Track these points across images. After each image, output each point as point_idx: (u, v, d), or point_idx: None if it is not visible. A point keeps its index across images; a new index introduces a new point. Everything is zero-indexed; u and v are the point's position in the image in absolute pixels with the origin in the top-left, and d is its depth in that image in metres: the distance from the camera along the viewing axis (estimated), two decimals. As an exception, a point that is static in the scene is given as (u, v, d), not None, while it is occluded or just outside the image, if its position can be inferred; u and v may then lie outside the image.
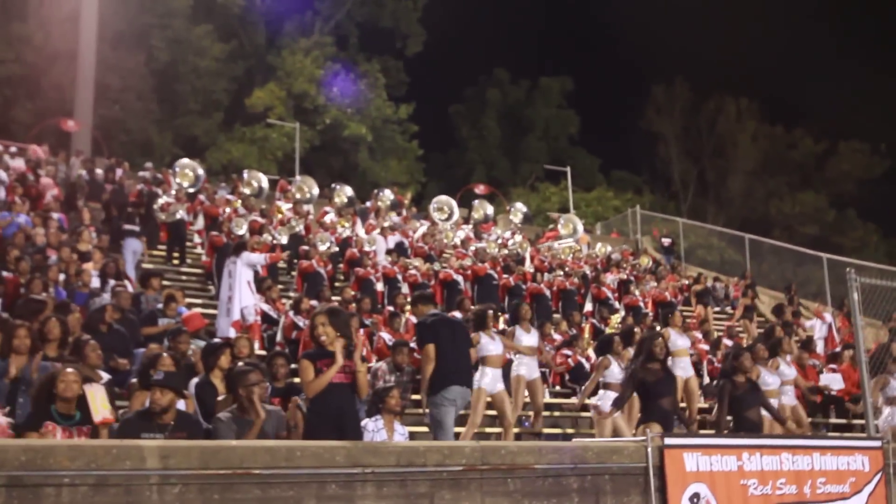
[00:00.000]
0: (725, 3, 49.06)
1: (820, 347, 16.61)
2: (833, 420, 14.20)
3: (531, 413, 11.29)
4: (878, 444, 7.79)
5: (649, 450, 6.45)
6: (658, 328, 13.39)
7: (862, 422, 12.52)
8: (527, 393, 11.21)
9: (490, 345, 9.91)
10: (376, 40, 45.04)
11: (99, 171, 20.56)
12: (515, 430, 10.82)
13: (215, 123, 38.85)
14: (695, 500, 6.56)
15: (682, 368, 11.50)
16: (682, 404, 11.98)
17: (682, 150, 51.77)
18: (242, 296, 12.66)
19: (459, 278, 17.03)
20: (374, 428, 6.75)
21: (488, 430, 10.24)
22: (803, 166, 50.55)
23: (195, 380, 7.25)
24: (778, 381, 10.63)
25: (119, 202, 19.47)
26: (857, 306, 8.27)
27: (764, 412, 9.76)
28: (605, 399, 9.72)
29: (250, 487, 5.01)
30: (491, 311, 10.27)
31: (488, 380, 9.83)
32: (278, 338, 12.63)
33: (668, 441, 6.57)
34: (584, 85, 51.33)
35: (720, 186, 51.25)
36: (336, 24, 44.50)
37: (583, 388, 11.46)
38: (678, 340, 11.64)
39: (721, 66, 49.48)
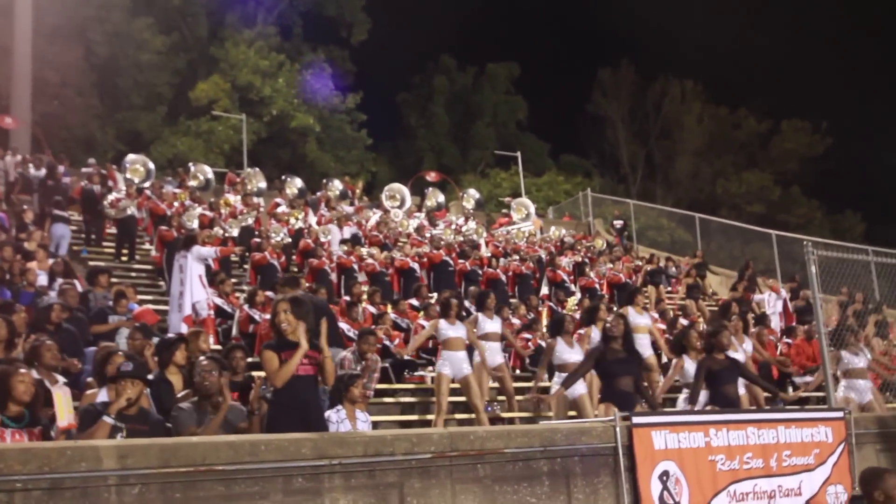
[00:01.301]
0: (669, -15, 49.40)
1: (775, 322, 16.78)
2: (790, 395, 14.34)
3: (500, 398, 11.22)
4: (840, 414, 7.84)
5: (618, 429, 6.40)
6: (616, 309, 13.36)
7: (818, 394, 12.74)
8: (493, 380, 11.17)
9: (449, 330, 9.83)
10: (321, 30, 44.64)
11: (32, 170, 19.88)
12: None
13: (159, 117, 38.11)
14: (664, 478, 6.52)
15: (641, 346, 11.50)
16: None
17: (630, 132, 52.14)
18: (194, 290, 12.36)
19: (416, 266, 16.91)
20: (337, 419, 6.58)
21: (459, 416, 10.11)
22: (748, 146, 51.28)
23: (149, 376, 6.99)
24: (743, 356, 10.68)
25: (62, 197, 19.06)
26: (815, 280, 8.31)
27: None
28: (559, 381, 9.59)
29: (213, 484, 4.83)
30: (455, 300, 10.20)
31: (449, 365, 9.75)
32: (234, 332, 12.37)
33: (636, 420, 6.52)
34: (530, 70, 51.52)
35: (668, 168, 51.78)
36: (279, 14, 43.88)
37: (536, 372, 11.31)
38: (638, 319, 11.64)
39: (666, 48, 49.96)
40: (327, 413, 6.57)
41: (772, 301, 17.43)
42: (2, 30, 31.23)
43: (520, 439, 6.00)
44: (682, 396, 10.26)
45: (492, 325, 11.03)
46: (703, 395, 9.23)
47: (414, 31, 49.31)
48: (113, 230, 18.06)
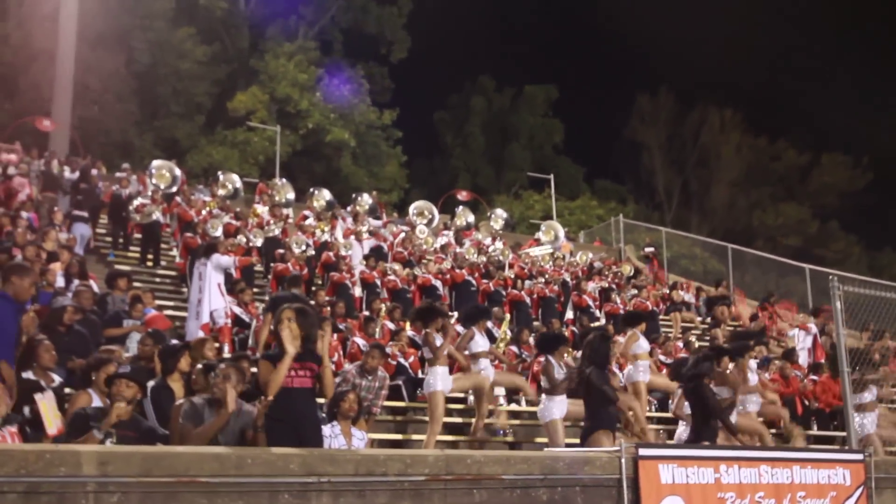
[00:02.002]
0: (712, 13, 49.09)
1: (804, 358, 16.39)
2: (815, 432, 13.99)
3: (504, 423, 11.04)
4: (860, 456, 7.55)
5: (623, 461, 6.19)
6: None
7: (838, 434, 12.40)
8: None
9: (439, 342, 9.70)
10: (361, 46, 44.85)
11: (67, 172, 20.07)
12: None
13: (197, 126, 38.43)
14: (670, 513, 6.30)
15: (643, 373, 11.26)
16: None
17: (667, 160, 51.73)
18: (212, 298, 12.34)
19: (438, 283, 16.78)
20: (331, 434, 6.40)
21: (450, 437, 9.90)
22: (786, 178, 50.65)
23: (151, 382, 6.91)
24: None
25: (91, 203, 19.21)
26: (839, 315, 8.04)
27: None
28: (550, 403, 9.27)
29: (196, 497, 4.70)
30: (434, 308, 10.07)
31: (441, 380, 9.56)
32: (250, 342, 12.29)
33: (642, 452, 6.30)
34: (569, 93, 51.35)
35: (704, 197, 51.25)
36: (320, 30, 44.22)
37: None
38: (643, 343, 11.42)
39: (706, 76, 49.79)
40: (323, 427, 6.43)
41: (801, 336, 17.03)
42: (47, 34, 31.77)
43: (519, 465, 5.81)
44: (680, 429, 10.01)
45: (484, 342, 10.84)
46: (682, 427, 9.00)
47: (452, 51, 49.48)
48: (139, 235, 18.15)
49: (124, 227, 18.61)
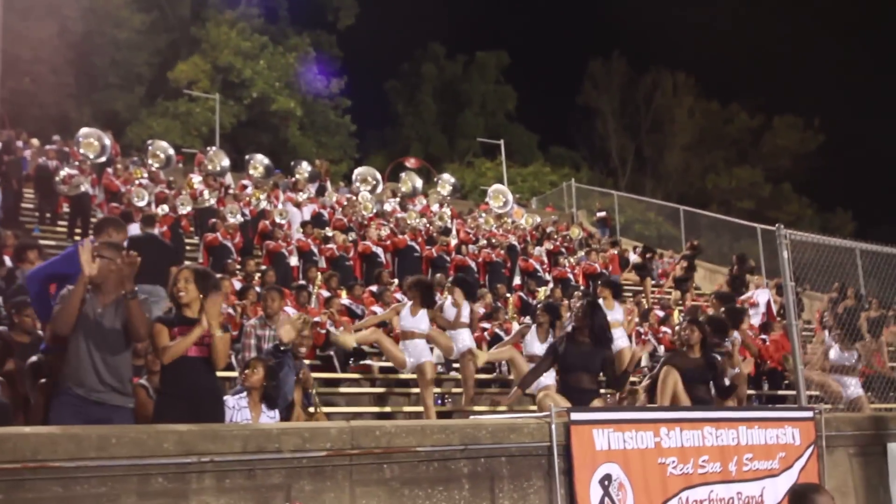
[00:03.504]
0: (662, -23, 48.63)
1: (756, 320, 16.03)
2: (766, 392, 13.64)
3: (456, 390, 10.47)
4: (809, 414, 7.07)
5: (553, 426, 5.62)
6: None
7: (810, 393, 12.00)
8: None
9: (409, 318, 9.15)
10: (307, 13, 43.65)
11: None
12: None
13: (137, 98, 37.16)
14: (606, 482, 5.75)
15: (616, 339, 10.78)
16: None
17: (620, 125, 51.45)
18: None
19: (380, 251, 16.14)
20: (235, 405, 5.74)
21: (406, 409, 9.32)
22: (739, 141, 50.61)
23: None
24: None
25: (17, 175, 18.29)
26: (787, 265, 7.54)
27: None
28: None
29: (48, 484, 4.04)
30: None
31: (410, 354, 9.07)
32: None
33: (574, 416, 5.73)
34: (520, 60, 50.66)
35: (658, 162, 51.09)
36: (264, -4, 42.98)
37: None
38: (608, 314, 10.88)
39: (658, 40, 49.27)
40: (225, 397, 5.77)
41: (755, 298, 16.66)
42: (-29, 3, 30.33)
43: (436, 436, 5.22)
44: None
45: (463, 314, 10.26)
46: None
47: (402, 18, 48.47)
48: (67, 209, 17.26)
49: (53, 201, 17.73)
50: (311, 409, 7.46)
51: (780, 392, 13.39)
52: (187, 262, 5.75)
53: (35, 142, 21.54)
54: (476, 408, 9.93)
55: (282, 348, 6.47)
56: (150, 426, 4.52)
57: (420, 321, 9.22)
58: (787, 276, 7.50)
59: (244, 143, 36.50)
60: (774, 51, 49.56)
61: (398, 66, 50.18)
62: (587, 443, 5.73)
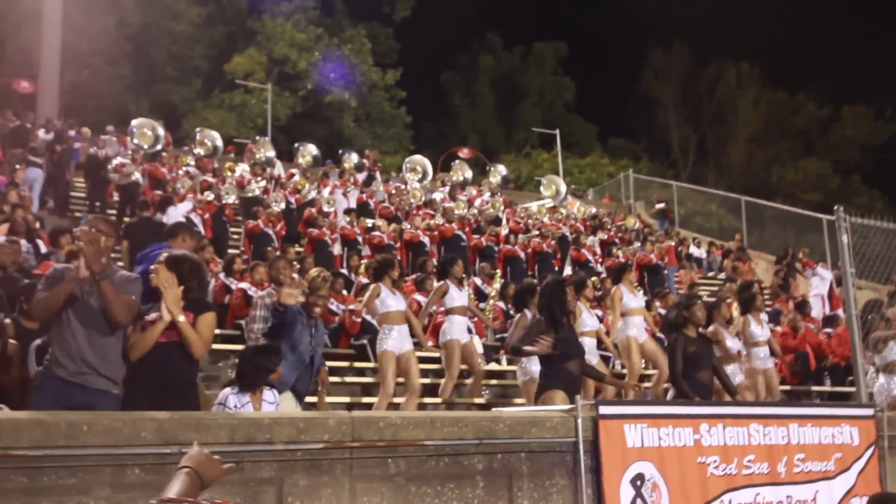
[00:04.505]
0: (725, -37, 47.24)
1: (818, 309, 15.28)
2: (828, 388, 12.90)
3: (468, 380, 10.00)
4: (869, 412, 6.47)
5: (579, 421, 5.15)
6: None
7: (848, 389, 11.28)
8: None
9: (389, 299, 8.67)
10: (363, 5, 43.43)
11: (42, 133, 19.24)
12: (461, 400, 9.58)
13: (193, 90, 37.40)
14: (638, 482, 5.26)
15: (637, 329, 10.19)
16: (651, 371, 10.74)
17: (682, 116, 50.23)
18: (166, 255, 11.32)
19: (426, 239, 15.74)
20: (237, 403, 5.34)
21: (397, 399, 8.89)
22: (806, 132, 49.00)
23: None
24: (738, 344, 9.33)
25: (67, 164, 18.46)
26: (847, 251, 6.93)
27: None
28: (528, 361, 8.26)
29: (11, 474, 3.72)
30: (394, 263, 9.05)
31: (393, 339, 8.58)
32: (207, 302, 11.32)
33: (604, 410, 5.25)
34: (579, 50, 49.75)
35: (720, 154, 49.76)
36: (321, -11, 42.92)
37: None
38: (632, 301, 10.32)
39: (720, 30, 47.86)
40: (224, 394, 5.36)
41: (815, 283, 15.89)
42: (35, -1, 30.78)
43: (447, 429, 4.78)
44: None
45: (461, 297, 9.81)
46: None
47: (459, 9, 47.90)
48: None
49: (102, 190, 17.77)
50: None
51: (843, 389, 12.64)
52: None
53: (87, 131, 21.70)
54: (476, 400, 9.51)
55: (280, 309, 6.12)
56: (127, 413, 4.18)
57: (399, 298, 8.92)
58: (846, 262, 6.90)
59: (299, 134, 36.41)
60: (843, 38, 47.83)
61: (454, 58, 49.78)
62: (617, 439, 5.24)
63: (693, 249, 22.79)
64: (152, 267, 5.09)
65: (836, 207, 7.09)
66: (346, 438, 4.46)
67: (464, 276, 10.64)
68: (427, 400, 9.30)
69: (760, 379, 9.53)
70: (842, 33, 47.60)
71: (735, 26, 47.45)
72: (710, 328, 8.58)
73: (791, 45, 47.95)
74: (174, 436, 4.04)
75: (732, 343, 8.97)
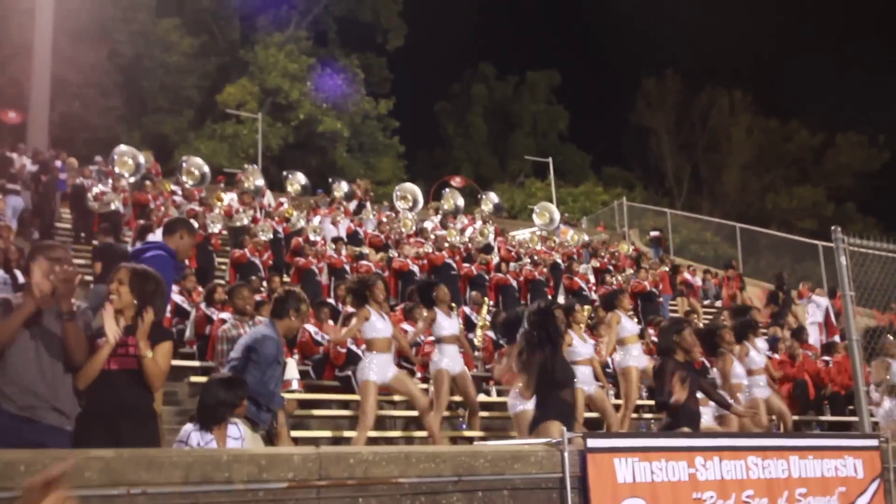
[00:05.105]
0: (717, -8, 47.47)
1: (815, 336, 15.00)
2: (829, 418, 12.57)
3: (463, 413, 9.64)
4: (874, 442, 6.14)
5: (566, 455, 4.82)
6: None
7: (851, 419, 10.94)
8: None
9: (378, 323, 8.32)
10: (356, 35, 43.54)
11: (28, 164, 19.01)
12: (449, 433, 9.23)
13: (186, 121, 37.27)
14: (630, 520, 4.93)
15: (636, 358, 9.89)
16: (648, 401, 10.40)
17: (675, 144, 50.26)
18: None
19: (416, 268, 15.45)
20: (199, 441, 4.98)
21: (390, 433, 8.55)
22: (800, 160, 49.03)
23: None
24: (742, 371, 9.04)
25: (53, 194, 18.20)
26: (845, 272, 6.65)
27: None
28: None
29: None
30: (376, 282, 8.65)
31: (376, 369, 8.22)
32: (187, 334, 11.00)
33: (592, 443, 4.93)
34: (572, 79, 49.86)
35: (715, 181, 49.75)
36: (314, 20, 43.01)
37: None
38: (627, 325, 10.03)
39: (713, 58, 48.04)
40: (187, 430, 5.01)
41: (811, 310, 15.61)
42: (23, 28, 30.68)
43: (423, 465, 4.46)
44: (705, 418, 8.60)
45: (450, 324, 9.46)
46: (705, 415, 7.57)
47: (452, 39, 48.00)
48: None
49: (89, 221, 17.50)
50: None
51: (844, 419, 12.31)
52: (128, 263, 4.98)
53: (73, 161, 21.45)
54: (466, 434, 9.17)
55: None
56: (69, 451, 3.85)
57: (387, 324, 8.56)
58: (845, 284, 6.61)
59: (292, 165, 36.14)
60: (836, 66, 47.96)
61: (448, 88, 49.84)
62: (607, 474, 4.92)
63: (687, 276, 22.53)
64: (112, 286, 4.77)
65: (833, 228, 6.81)
66: (313, 476, 4.14)
67: (452, 303, 10.30)
68: (416, 434, 8.94)
69: (763, 408, 9.23)
70: (834, 60, 47.74)
71: (727, 54, 47.65)
72: (720, 360, 8.34)
73: (784, 73, 48.22)
74: (122, 476, 3.72)
75: (740, 370, 8.70)
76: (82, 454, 3.72)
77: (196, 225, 14.50)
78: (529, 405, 7.80)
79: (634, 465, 5.01)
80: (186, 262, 13.67)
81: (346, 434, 9.00)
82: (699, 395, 6.72)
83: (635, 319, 10.07)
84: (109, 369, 4.43)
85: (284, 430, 6.54)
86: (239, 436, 5.10)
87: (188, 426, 5.08)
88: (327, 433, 9.04)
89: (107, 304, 4.49)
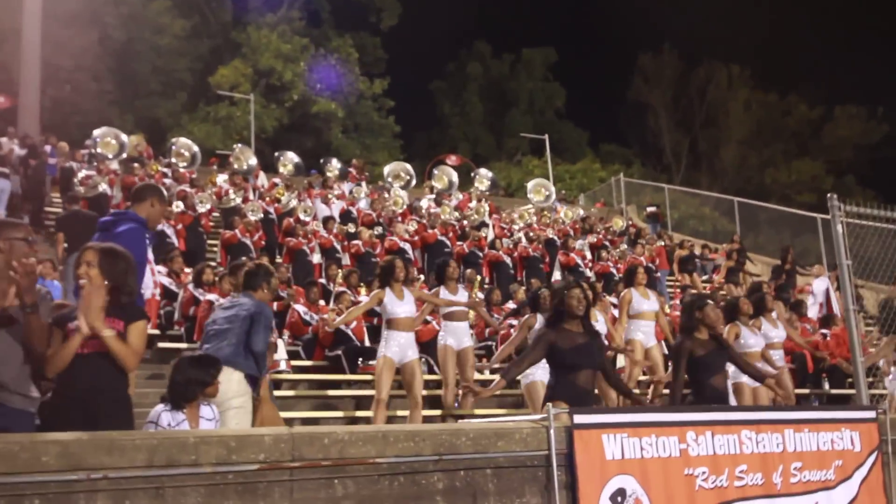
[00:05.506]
0: (713, -34, 46.92)
1: (814, 311, 14.83)
2: (829, 391, 12.43)
3: (460, 391, 9.52)
4: (871, 414, 5.98)
5: (552, 431, 4.66)
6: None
7: (872, 391, 10.78)
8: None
9: (395, 304, 8.19)
10: (349, 15, 43.02)
11: (17, 148, 18.81)
12: (437, 412, 9.11)
13: (179, 104, 36.95)
14: (619, 498, 4.77)
15: (645, 334, 9.77)
16: (644, 377, 10.26)
17: (673, 120, 49.89)
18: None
19: (407, 247, 15.27)
20: (170, 421, 4.83)
21: (400, 412, 8.43)
22: (799, 133, 48.70)
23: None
24: (761, 341, 8.86)
25: (41, 178, 18.04)
26: (841, 240, 6.47)
27: (744, 378, 8.01)
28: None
29: None
30: (394, 262, 8.53)
31: (395, 348, 8.14)
32: (176, 315, 10.84)
33: (578, 419, 4.76)
34: (568, 56, 49.39)
35: (713, 157, 49.44)
36: (306, 0, 42.51)
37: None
38: (643, 303, 9.89)
39: (710, 33, 47.50)
40: (157, 411, 4.85)
41: (812, 287, 15.44)
42: (13, 12, 30.34)
43: (402, 444, 4.30)
44: None
45: (456, 301, 9.37)
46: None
47: (446, 17, 47.49)
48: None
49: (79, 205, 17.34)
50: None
51: (843, 391, 12.17)
52: (96, 242, 4.79)
53: (64, 146, 21.23)
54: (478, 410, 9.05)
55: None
56: (26, 434, 3.69)
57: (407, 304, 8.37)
58: (841, 253, 6.43)
59: (287, 146, 35.85)
60: (833, 38, 47.55)
61: (443, 66, 49.42)
62: (595, 451, 4.75)
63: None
64: (80, 269, 4.57)
65: (829, 195, 6.62)
66: (286, 458, 3.98)
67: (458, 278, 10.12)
68: (398, 412, 8.80)
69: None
70: (832, 33, 47.34)
71: (724, 28, 47.19)
72: (727, 327, 8.19)
73: (781, 46, 47.67)
74: (82, 459, 3.55)
75: (755, 341, 8.54)
76: (39, 437, 3.55)
77: (184, 206, 14.39)
78: (538, 375, 7.72)
79: (623, 441, 4.85)
80: (175, 243, 13.58)
81: (331, 415, 8.88)
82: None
83: (652, 297, 9.91)
84: (82, 353, 4.25)
85: (268, 403, 6.42)
86: (213, 417, 4.94)
87: (159, 406, 4.92)
88: (313, 413, 8.91)
89: (83, 294, 4.29)
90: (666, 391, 9.53)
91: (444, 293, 9.26)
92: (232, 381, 5.58)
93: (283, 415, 8.12)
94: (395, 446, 4.27)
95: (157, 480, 3.68)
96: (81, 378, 4.23)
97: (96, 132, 17.20)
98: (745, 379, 8.12)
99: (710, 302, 6.63)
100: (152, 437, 3.84)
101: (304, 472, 4.01)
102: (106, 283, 4.42)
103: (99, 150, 16.70)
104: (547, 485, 4.64)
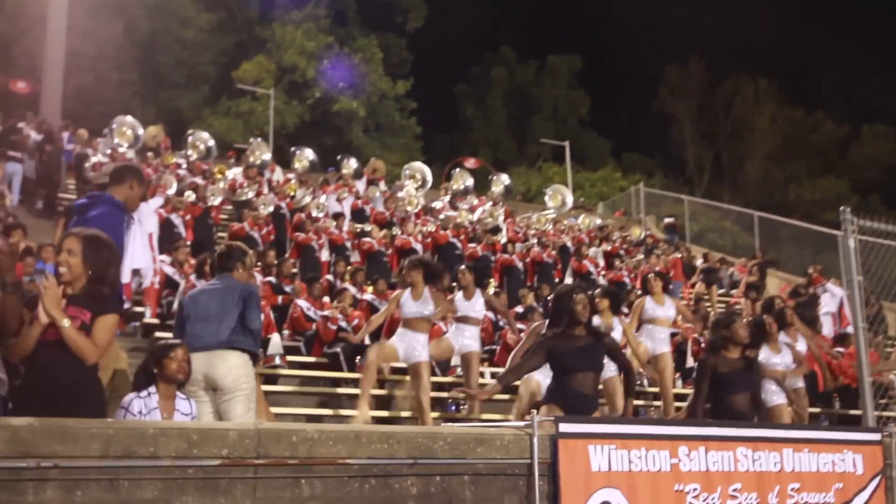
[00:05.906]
0: (744, -22, 46.56)
1: (828, 326, 14.52)
2: (839, 410, 12.12)
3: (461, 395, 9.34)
4: (876, 437, 5.74)
5: (535, 439, 4.46)
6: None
7: (886, 414, 10.51)
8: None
9: (409, 305, 8.17)
10: (375, 15, 43.01)
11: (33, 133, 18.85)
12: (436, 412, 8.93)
13: (201, 97, 37.03)
14: (603, 512, 4.56)
15: (654, 340, 9.56)
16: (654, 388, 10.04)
17: (697, 132, 49.44)
18: (136, 254, 10.68)
19: (419, 247, 15.11)
20: (142, 408, 4.66)
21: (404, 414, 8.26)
22: (824, 151, 48.19)
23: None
24: (789, 359, 8.60)
25: (56, 164, 18.06)
26: (853, 256, 6.23)
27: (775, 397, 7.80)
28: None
29: None
30: (438, 267, 8.57)
31: (404, 346, 8.15)
32: (175, 306, 10.71)
33: (564, 428, 4.56)
34: (594, 64, 49.12)
35: (737, 171, 48.99)
36: (333, -1, 42.56)
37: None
38: (657, 309, 9.71)
39: (738, 46, 47.21)
40: (129, 398, 4.70)
41: (825, 300, 15.13)
42: (40, 1, 30.51)
43: (375, 446, 4.11)
44: None
45: (466, 306, 9.24)
46: None
47: (472, 21, 47.38)
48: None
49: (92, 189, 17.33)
50: None
51: (854, 412, 11.86)
52: (80, 229, 4.62)
53: (83, 133, 21.25)
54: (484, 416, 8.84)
55: None
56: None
57: (424, 306, 8.23)
58: (853, 268, 6.20)
59: (307, 143, 35.85)
60: (862, 57, 47.05)
61: (467, 70, 49.32)
62: (580, 461, 4.56)
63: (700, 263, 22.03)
64: (61, 258, 4.40)
65: (842, 208, 6.39)
66: (250, 454, 3.81)
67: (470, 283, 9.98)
68: (374, 413, 8.63)
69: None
70: (861, 51, 46.85)
71: (752, 42, 46.81)
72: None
73: (809, 63, 47.28)
74: (32, 447, 3.40)
75: (780, 360, 8.30)
76: (-13, 422, 3.40)
77: (195, 197, 14.31)
78: (536, 373, 7.54)
79: (611, 452, 4.65)
80: (183, 233, 13.49)
81: (325, 412, 8.73)
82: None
83: (668, 303, 9.74)
84: (47, 340, 4.08)
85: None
86: (189, 412, 4.77)
87: (131, 394, 4.75)
88: (311, 410, 8.76)
89: (49, 286, 4.10)
90: (677, 404, 9.36)
91: (460, 299, 9.15)
92: (238, 367, 5.52)
93: (277, 411, 8.01)
94: (368, 447, 4.09)
95: (111, 472, 3.52)
96: (42, 366, 4.07)
97: (116, 119, 17.24)
98: (782, 401, 8.01)
99: (737, 319, 6.42)
100: (109, 426, 3.68)
101: (270, 469, 3.84)
102: (89, 272, 4.26)
103: (115, 138, 16.67)
104: (528, 495, 4.44)
